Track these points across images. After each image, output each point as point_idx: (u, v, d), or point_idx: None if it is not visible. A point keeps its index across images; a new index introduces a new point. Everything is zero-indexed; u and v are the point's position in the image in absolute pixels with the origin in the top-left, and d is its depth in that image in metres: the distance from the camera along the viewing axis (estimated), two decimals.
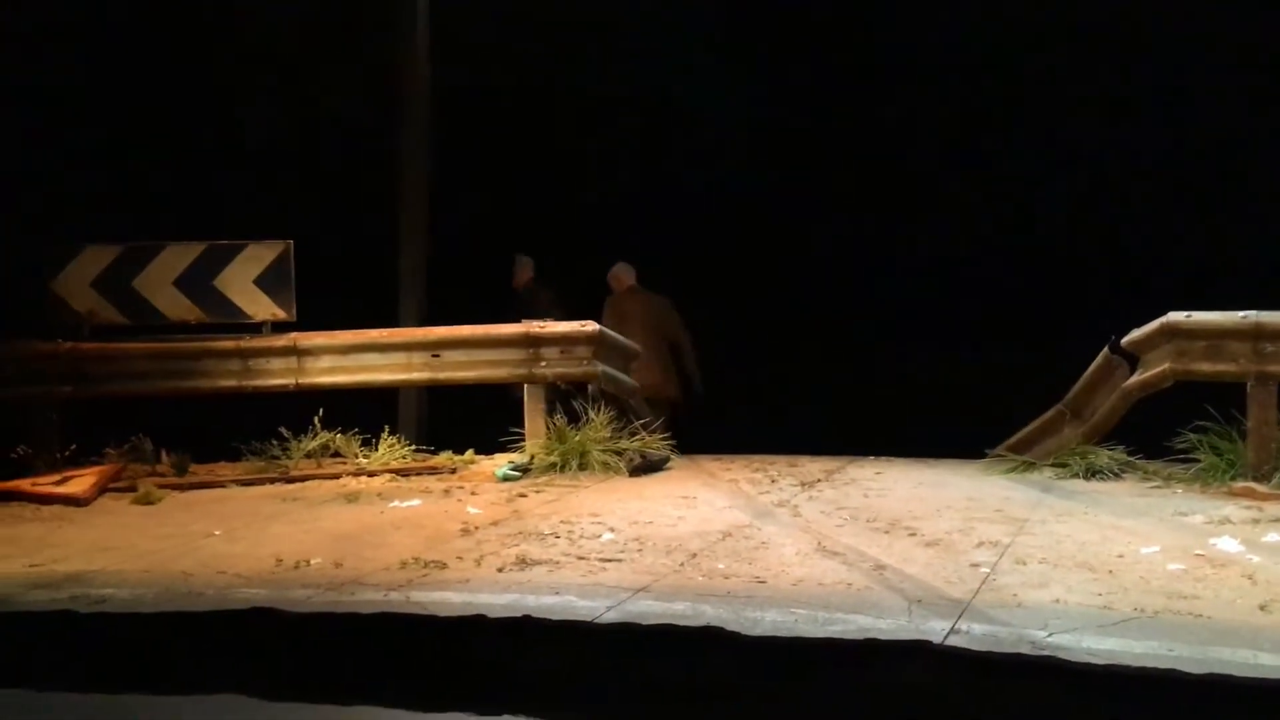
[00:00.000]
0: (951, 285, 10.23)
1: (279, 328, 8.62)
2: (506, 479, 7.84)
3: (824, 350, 10.08)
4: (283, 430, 8.39)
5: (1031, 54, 10.15)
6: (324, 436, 8.42)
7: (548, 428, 8.38)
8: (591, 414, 8.39)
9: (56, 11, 9.55)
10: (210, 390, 8.56)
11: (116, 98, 9.68)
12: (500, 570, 5.44)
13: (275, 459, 8.32)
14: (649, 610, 4.71)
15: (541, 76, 10.84)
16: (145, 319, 8.59)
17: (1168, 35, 9.66)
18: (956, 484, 7.44)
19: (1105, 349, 7.80)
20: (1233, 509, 6.41)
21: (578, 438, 8.22)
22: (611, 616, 4.66)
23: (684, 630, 4.45)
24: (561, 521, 6.47)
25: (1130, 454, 7.61)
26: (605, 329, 8.67)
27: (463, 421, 8.91)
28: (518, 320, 8.63)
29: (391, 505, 7.12)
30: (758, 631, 4.43)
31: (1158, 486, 7.19)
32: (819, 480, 7.65)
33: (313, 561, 5.68)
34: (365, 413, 8.65)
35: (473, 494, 7.44)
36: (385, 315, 9.04)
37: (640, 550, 5.77)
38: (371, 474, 8.08)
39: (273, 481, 7.96)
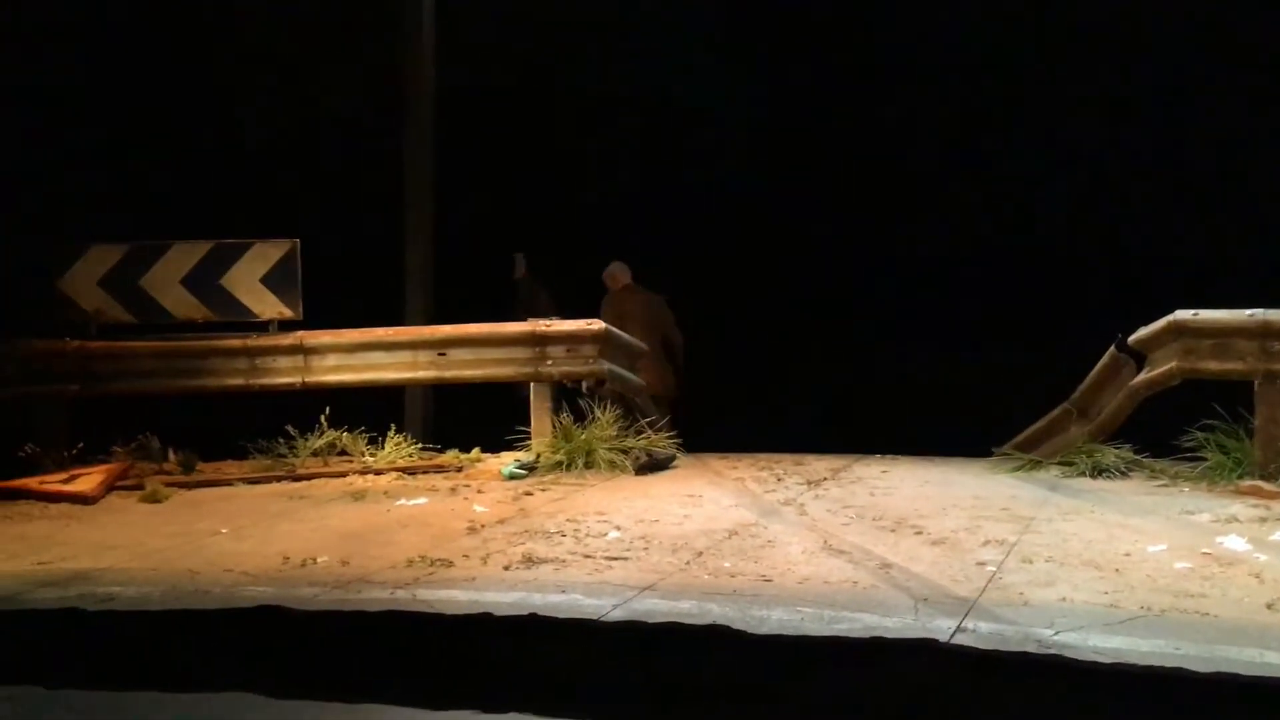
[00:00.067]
0: (952, 285, 10.22)
1: (285, 326, 8.64)
2: (513, 477, 7.85)
3: (824, 350, 10.07)
4: (289, 429, 8.41)
5: (1032, 54, 10.14)
6: (330, 435, 8.44)
7: (554, 426, 8.38)
8: (597, 412, 8.40)
9: (56, 11, 9.55)
10: (217, 389, 8.58)
11: (117, 98, 9.69)
12: (506, 568, 5.44)
13: (282, 457, 8.34)
14: (655, 608, 4.72)
15: (542, 76, 10.84)
16: (152, 318, 8.61)
17: (1167, 35, 9.64)
18: (963, 482, 7.43)
19: (1112, 347, 7.79)
20: (1240, 507, 6.40)
21: (584, 436, 8.22)
22: (618, 615, 4.66)
23: (690, 628, 4.45)
24: (568, 520, 6.47)
25: (1137, 452, 7.60)
26: (611, 327, 8.67)
27: (469, 420, 8.93)
28: (518, 311, 8.63)
29: (398, 503, 7.13)
30: (764, 630, 4.43)
31: (1165, 485, 7.18)
32: (825, 479, 7.65)
33: (319, 560, 5.69)
34: (371, 411, 8.66)
35: (479, 492, 7.44)
36: (388, 315, 9.05)
37: (646, 548, 5.77)
38: (378, 472, 8.09)
39: (279, 480, 7.98)
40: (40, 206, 9.20)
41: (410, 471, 8.13)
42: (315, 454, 8.37)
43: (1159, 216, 9.58)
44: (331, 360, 8.62)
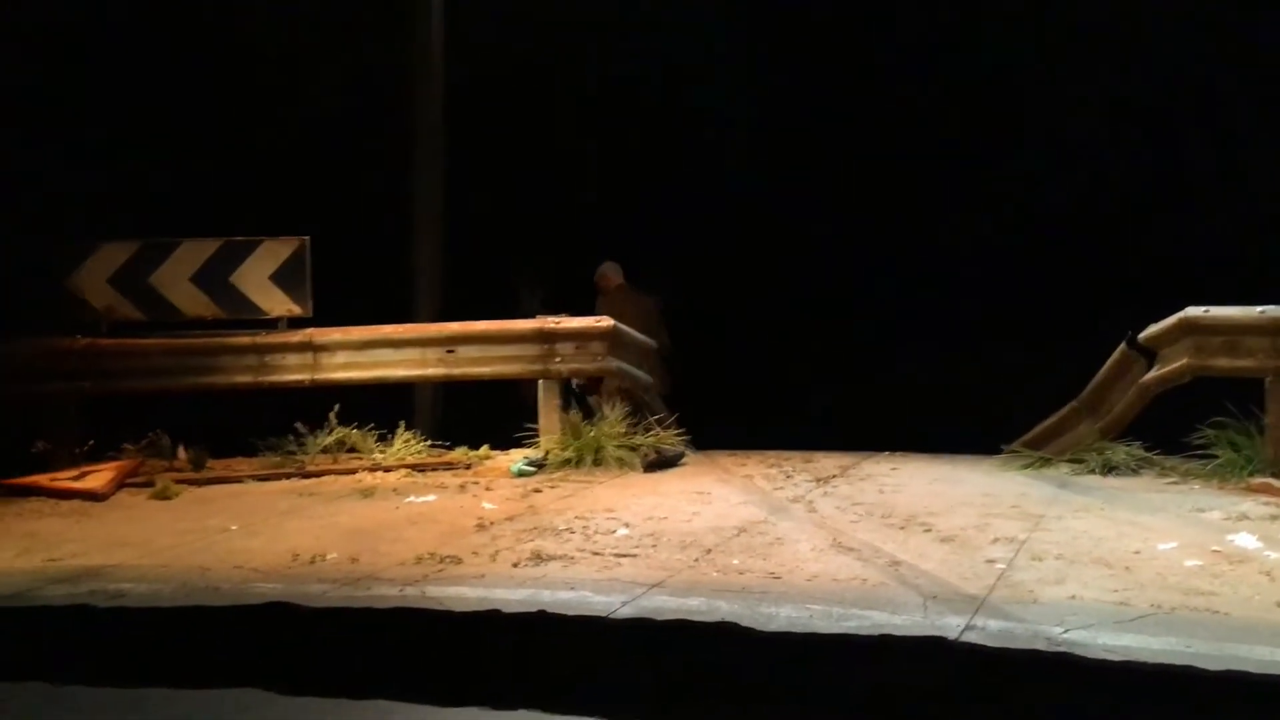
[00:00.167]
0: (953, 284, 10.19)
1: (295, 323, 8.65)
2: (521, 474, 7.86)
3: (825, 350, 10.05)
4: (299, 426, 8.42)
5: (1032, 54, 10.10)
6: (340, 432, 8.45)
7: (562, 424, 8.39)
8: (606, 410, 8.40)
9: (56, 11, 9.57)
10: (227, 386, 8.60)
11: (118, 98, 9.69)
12: (515, 565, 5.45)
13: (291, 454, 8.36)
14: (664, 606, 4.72)
15: (542, 76, 10.84)
16: (162, 315, 8.63)
17: (1167, 35, 9.60)
18: (972, 480, 7.42)
19: (1123, 344, 7.77)
20: (1250, 505, 6.37)
21: (592, 433, 8.23)
22: (626, 612, 4.66)
23: (699, 626, 4.45)
24: (576, 517, 6.48)
25: (1148, 450, 7.58)
26: (620, 324, 8.67)
27: (478, 417, 8.93)
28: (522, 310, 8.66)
29: (407, 501, 7.15)
30: (772, 627, 4.43)
31: (1175, 482, 7.16)
32: (834, 476, 7.64)
33: (329, 556, 5.70)
34: (380, 408, 8.67)
35: (488, 489, 7.45)
36: (395, 313, 9.05)
37: (655, 546, 5.77)
38: (387, 469, 8.10)
39: (289, 477, 7.99)
40: (46, 207, 9.22)
41: (419, 469, 8.14)
42: (324, 451, 8.38)
43: (1162, 215, 9.54)
44: (340, 357, 8.63)
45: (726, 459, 8.36)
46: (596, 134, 10.89)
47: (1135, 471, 7.44)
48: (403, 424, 8.65)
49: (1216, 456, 7.20)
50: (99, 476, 7.59)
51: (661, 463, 8.08)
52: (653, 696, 3.92)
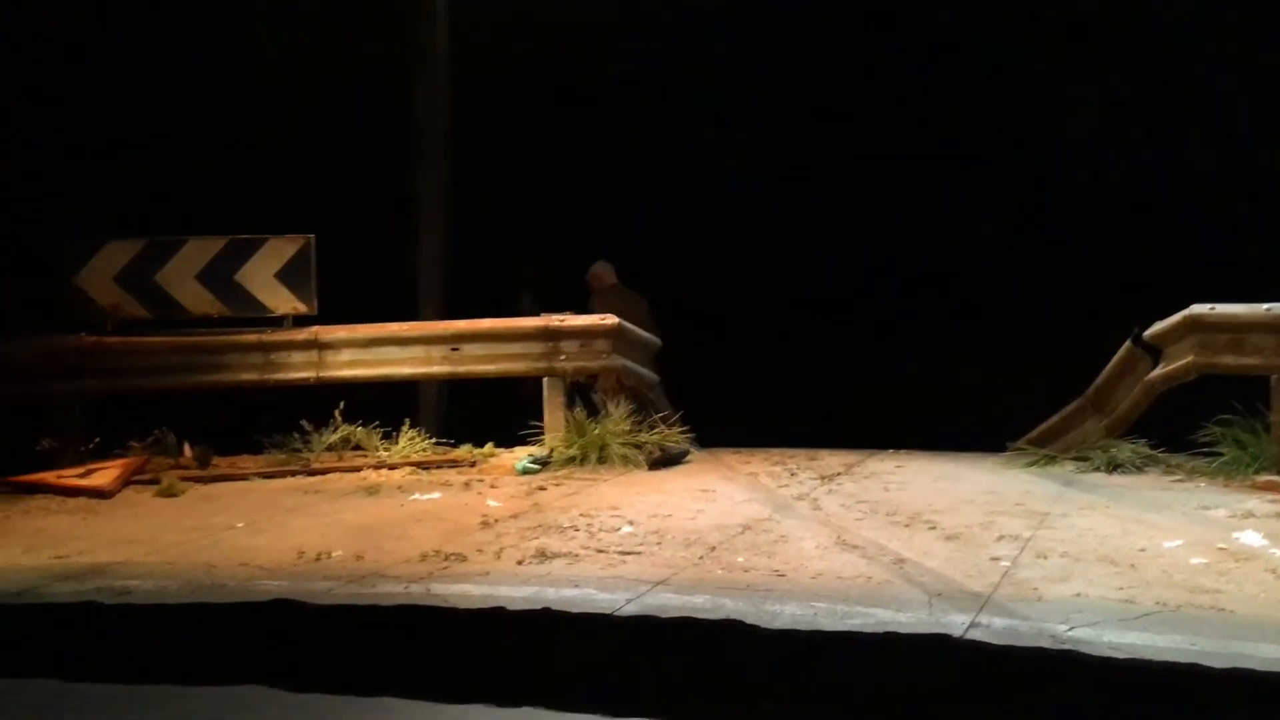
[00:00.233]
0: (953, 284, 10.17)
1: (300, 321, 8.66)
2: (526, 472, 7.86)
3: (825, 350, 10.04)
4: (304, 423, 8.44)
5: (1031, 54, 10.08)
6: (345, 429, 8.46)
7: (567, 421, 8.39)
8: (610, 407, 8.40)
9: (56, 11, 9.57)
10: (232, 383, 8.61)
11: (118, 98, 9.69)
12: (520, 563, 5.45)
13: (297, 452, 8.37)
14: (668, 603, 4.72)
15: (542, 75, 10.83)
16: (168, 313, 8.64)
17: (1167, 35, 9.58)
18: (977, 478, 7.41)
19: (1128, 341, 7.76)
20: (1256, 503, 6.36)
21: (597, 431, 8.23)
22: (631, 609, 4.67)
23: (703, 623, 4.46)
24: (581, 514, 6.48)
25: (1153, 447, 7.57)
26: (624, 322, 8.68)
27: (482, 414, 8.94)
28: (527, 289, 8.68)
29: (412, 498, 7.16)
30: (777, 625, 4.43)
31: (1180, 480, 7.15)
32: (839, 473, 7.64)
33: (334, 554, 5.71)
34: (385, 406, 8.68)
35: (492, 487, 7.46)
36: (399, 313, 9.05)
37: (660, 543, 5.78)
38: (392, 467, 8.11)
39: (294, 474, 8.01)
40: (47, 207, 9.23)
41: (424, 466, 8.15)
42: (330, 449, 8.40)
43: (1162, 215, 9.53)
44: (346, 355, 8.64)
45: (731, 456, 8.36)
46: (596, 133, 10.87)
47: (1140, 469, 7.43)
48: (408, 422, 8.65)
49: (1222, 454, 7.19)
50: (105, 474, 7.61)
51: (666, 460, 8.08)
52: (657, 694, 3.92)
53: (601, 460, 8.04)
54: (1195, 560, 5.21)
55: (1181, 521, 6.03)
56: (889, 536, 5.83)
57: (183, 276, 8.62)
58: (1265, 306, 7.14)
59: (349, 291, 8.73)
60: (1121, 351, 7.80)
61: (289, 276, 8.62)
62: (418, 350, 8.67)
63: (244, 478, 7.95)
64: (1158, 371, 7.59)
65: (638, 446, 8.14)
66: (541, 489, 7.34)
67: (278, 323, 8.66)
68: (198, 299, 8.64)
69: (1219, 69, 9.47)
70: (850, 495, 6.92)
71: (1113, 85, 9.91)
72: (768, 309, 10.71)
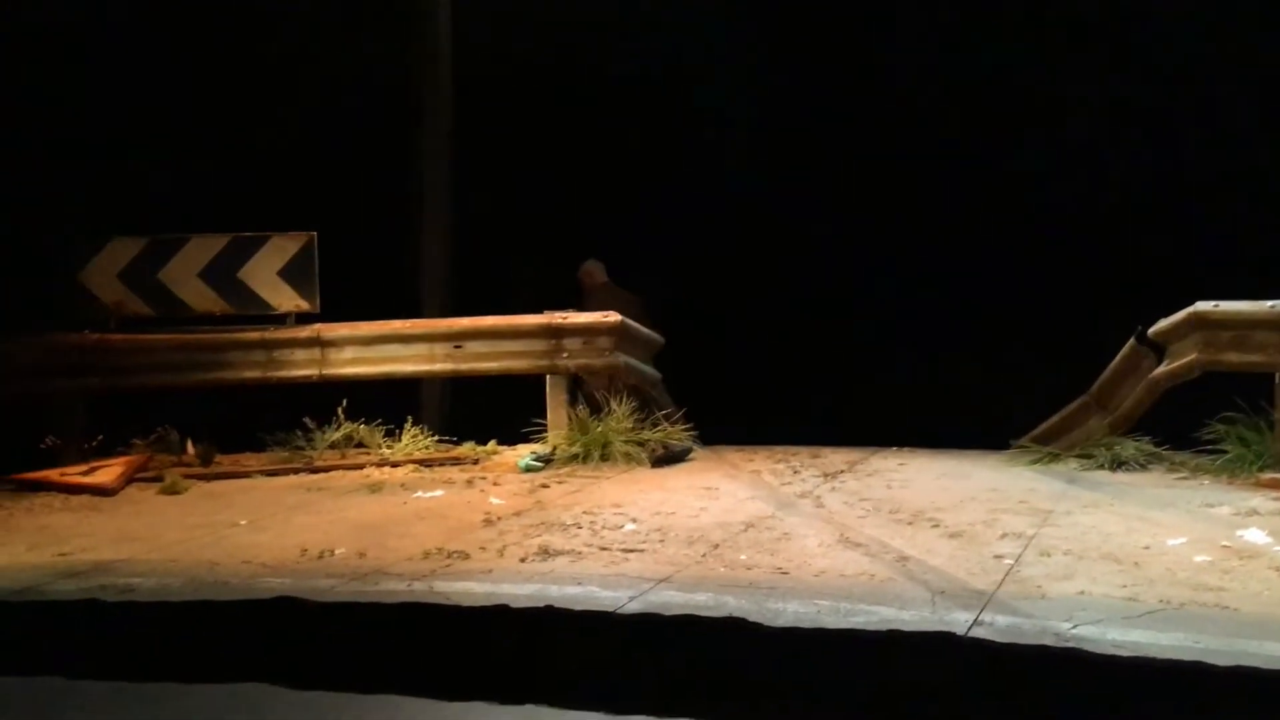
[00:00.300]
0: (953, 284, 10.16)
1: (303, 319, 8.67)
2: (529, 469, 7.86)
3: (825, 350, 10.04)
4: (307, 421, 8.44)
5: (1031, 54, 10.07)
6: (348, 427, 8.47)
7: (570, 419, 8.39)
8: (613, 405, 8.40)
9: (56, 11, 9.57)
10: (235, 381, 8.62)
11: (118, 98, 9.69)
12: (523, 560, 5.45)
13: (299, 449, 8.38)
14: (671, 601, 4.72)
15: (542, 75, 10.83)
16: (171, 310, 8.65)
17: (1167, 35, 9.56)
18: (980, 475, 7.41)
19: (1132, 339, 7.75)
20: (1260, 500, 6.36)
21: (600, 428, 8.23)
22: (634, 607, 4.66)
23: (706, 621, 4.45)
24: (584, 512, 6.48)
25: (1157, 445, 7.56)
26: (627, 320, 8.67)
27: (485, 412, 8.94)
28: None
29: (415, 496, 7.16)
30: (780, 623, 4.42)
31: (1184, 478, 7.14)
32: (842, 471, 7.63)
33: (337, 551, 5.72)
34: (388, 404, 8.68)
35: (495, 484, 7.46)
36: (401, 311, 9.05)
37: (662, 541, 5.77)
38: (395, 464, 8.11)
39: (297, 472, 8.01)
40: (48, 207, 9.23)
41: (427, 464, 8.15)
42: (332, 446, 8.40)
43: (1162, 215, 9.51)
44: (348, 353, 8.65)
45: (734, 454, 8.36)
46: (596, 133, 10.87)
47: (1144, 467, 7.42)
48: (410, 419, 8.65)
49: (1226, 452, 7.18)
50: (108, 471, 7.61)
51: (669, 458, 8.08)
52: (659, 692, 3.92)
53: (604, 458, 8.04)
54: (1199, 558, 5.20)
55: (1185, 519, 6.02)
56: (892, 534, 5.82)
57: (186, 274, 8.63)
58: (1270, 304, 7.14)
59: (351, 290, 8.74)
60: (1125, 349, 7.79)
61: (292, 274, 8.63)
62: (420, 348, 8.67)
63: (247, 475, 7.95)
64: (1161, 369, 7.58)
65: (640, 444, 8.14)
66: (544, 486, 7.33)
67: (280, 320, 8.66)
68: (201, 296, 8.64)
69: (1219, 69, 9.45)
70: (853, 493, 6.91)
71: (1112, 85, 9.90)
72: (768, 309, 10.70)
